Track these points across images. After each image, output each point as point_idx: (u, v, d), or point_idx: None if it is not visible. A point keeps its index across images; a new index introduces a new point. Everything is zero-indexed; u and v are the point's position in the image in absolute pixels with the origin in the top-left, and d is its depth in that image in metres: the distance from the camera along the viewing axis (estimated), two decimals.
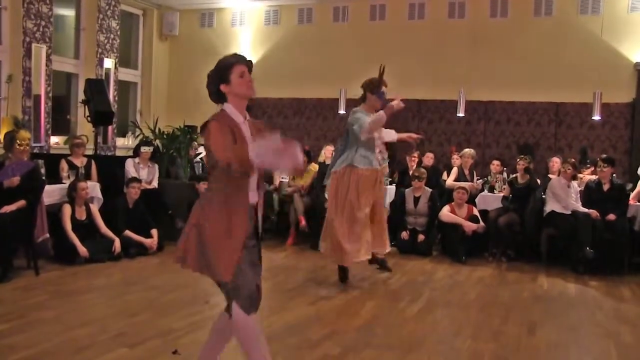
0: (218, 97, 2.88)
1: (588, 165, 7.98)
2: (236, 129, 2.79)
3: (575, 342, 4.29)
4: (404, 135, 5.95)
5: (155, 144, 8.38)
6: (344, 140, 5.69)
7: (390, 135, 5.77)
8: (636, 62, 8.59)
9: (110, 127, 9.12)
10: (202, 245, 2.77)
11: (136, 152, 7.93)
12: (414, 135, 5.98)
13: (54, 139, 8.68)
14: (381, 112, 5.34)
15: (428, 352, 3.91)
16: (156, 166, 7.90)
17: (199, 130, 2.49)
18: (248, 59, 2.91)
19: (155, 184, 7.76)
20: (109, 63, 9.45)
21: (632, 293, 5.88)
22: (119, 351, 3.64)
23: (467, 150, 8.29)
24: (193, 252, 2.80)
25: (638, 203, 7.10)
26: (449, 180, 8.07)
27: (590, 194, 7.00)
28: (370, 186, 5.52)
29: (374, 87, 5.52)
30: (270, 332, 4.05)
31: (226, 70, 2.83)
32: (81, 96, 8.31)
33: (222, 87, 2.84)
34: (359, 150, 5.47)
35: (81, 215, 6.35)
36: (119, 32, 9.70)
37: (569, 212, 6.79)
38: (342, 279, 5.68)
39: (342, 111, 9.49)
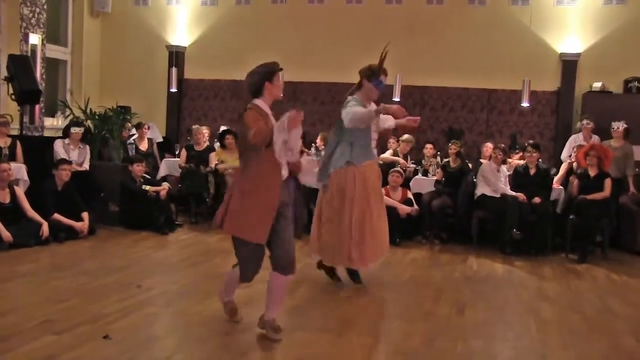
0: (256, 90, 3.65)
1: (517, 151, 8.30)
2: (266, 117, 3.61)
3: (500, 320, 4.48)
4: (402, 120, 4.97)
5: (87, 125, 8.11)
6: (336, 132, 5.01)
7: (387, 122, 5.12)
8: (561, 53, 8.97)
9: (37, 107, 8.70)
10: (243, 210, 3.52)
11: (66, 132, 7.66)
12: (413, 118, 5.00)
13: None
14: (373, 109, 4.74)
15: (360, 333, 3.98)
16: (87, 147, 7.69)
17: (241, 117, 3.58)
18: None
19: (86, 165, 7.55)
20: (35, 39, 8.97)
21: (553, 272, 6.19)
22: (45, 339, 3.51)
23: (406, 136, 8.40)
24: (230, 217, 3.55)
25: (561, 187, 7.46)
26: (383, 155, 8.16)
27: (518, 178, 7.29)
28: (377, 179, 5.05)
29: (371, 74, 4.86)
30: (202, 317, 4.05)
31: (274, 73, 3.67)
32: (4, 73, 7.88)
33: (267, 85, 3.63)
34: (355, 143, 4.87)
35: (5, 198, 6.09)
36: (45, 6, 9.23)
37: (499, 196, 7.05)
38: (333, 277, 5.25)
39: (281, 94, 9.39)
